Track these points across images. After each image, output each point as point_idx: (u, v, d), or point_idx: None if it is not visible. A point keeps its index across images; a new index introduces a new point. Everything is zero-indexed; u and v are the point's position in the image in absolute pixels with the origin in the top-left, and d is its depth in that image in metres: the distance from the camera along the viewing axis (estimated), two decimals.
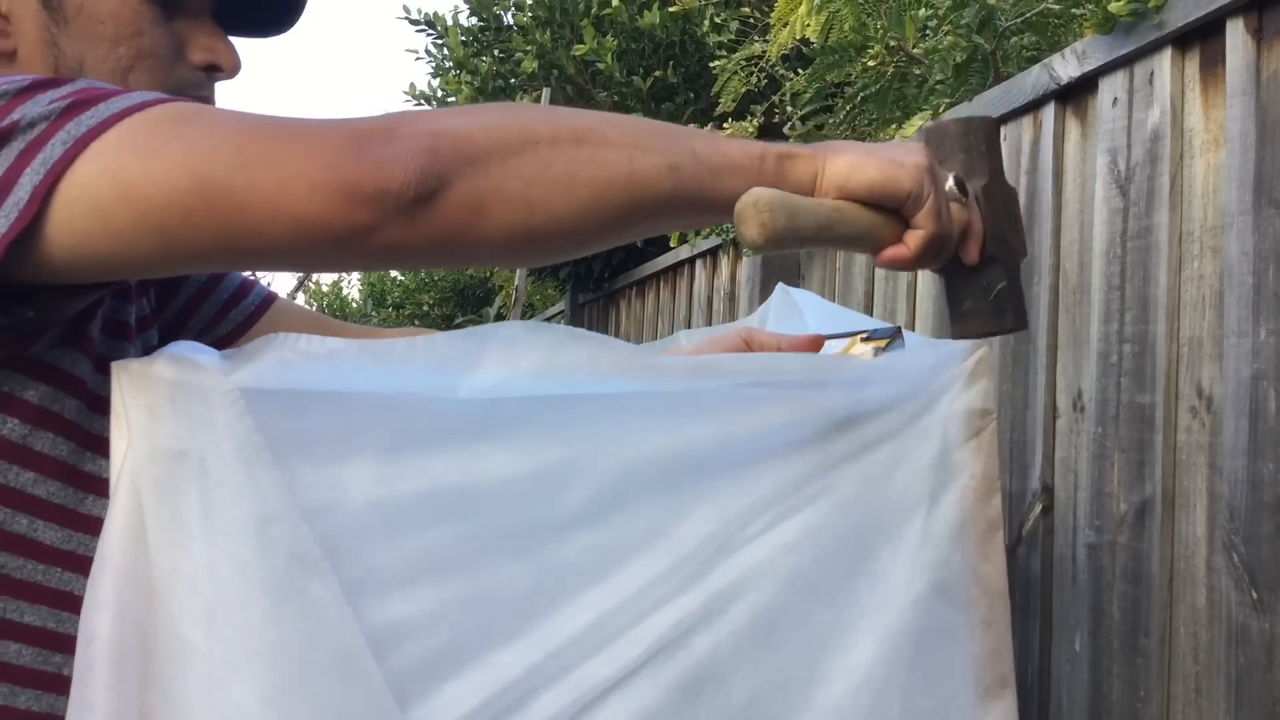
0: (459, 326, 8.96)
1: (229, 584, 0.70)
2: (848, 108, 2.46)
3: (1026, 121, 1.64)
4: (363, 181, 0.66)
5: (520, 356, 0.77)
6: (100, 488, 0.82)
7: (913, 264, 0.81)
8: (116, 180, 0.67)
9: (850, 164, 0.78)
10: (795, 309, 0.98)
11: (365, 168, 0.66)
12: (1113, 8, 1.37)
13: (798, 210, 0.74)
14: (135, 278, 0.78)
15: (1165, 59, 1.35)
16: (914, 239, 0.80)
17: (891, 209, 0.79)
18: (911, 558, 0.86)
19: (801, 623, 0.84)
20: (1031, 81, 1.60)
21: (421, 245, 0.69)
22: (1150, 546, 1.32)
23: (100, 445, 0.82)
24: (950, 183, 0.81)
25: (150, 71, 0.87)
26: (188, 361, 0.76)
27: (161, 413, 0.75)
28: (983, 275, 0.85)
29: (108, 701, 0.70)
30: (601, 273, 4.74)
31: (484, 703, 0.80)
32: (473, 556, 0.80)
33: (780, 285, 1.02)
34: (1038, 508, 1.54)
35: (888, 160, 0.78)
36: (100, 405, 0.83)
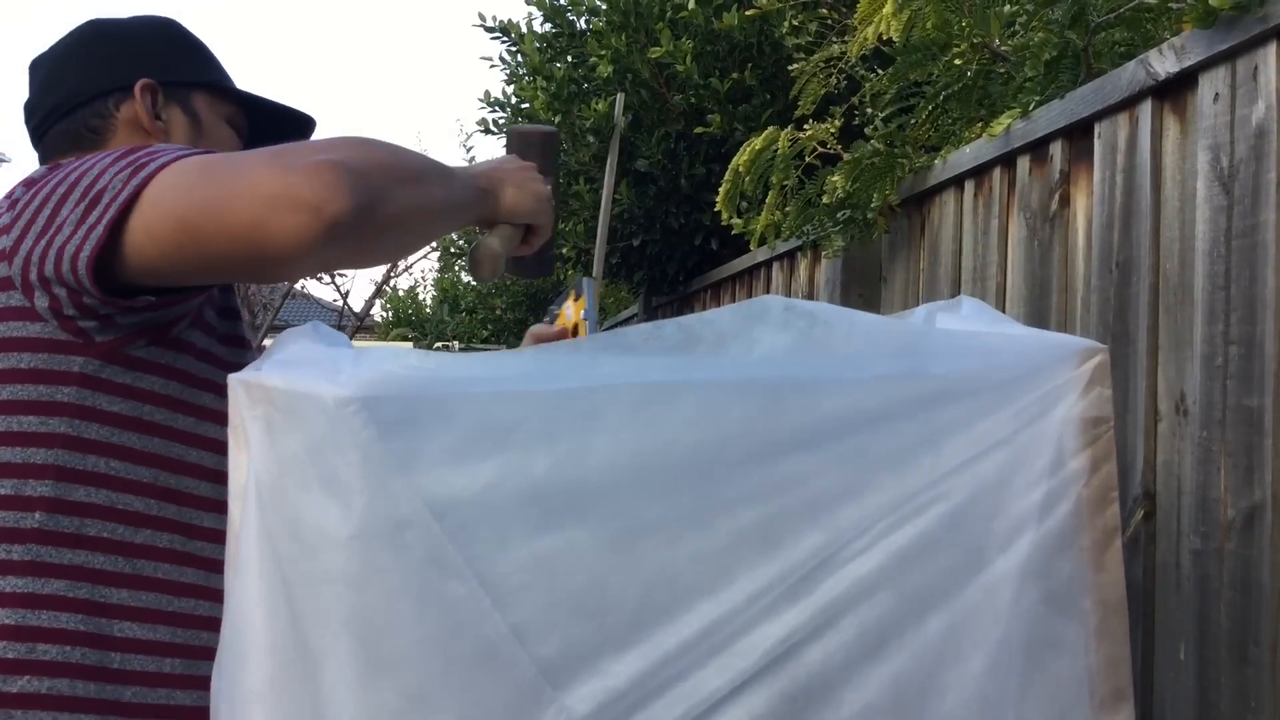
0: None
1: (368, 589, 0.71)
2: (929, 107, 2.42)
3: (1122, 119, 1.61)
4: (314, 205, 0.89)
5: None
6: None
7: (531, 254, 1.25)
8: (140, 229, 0.96)
9: (513, 200, 1.17)
10: (956, 315, 0.98)
11: (314, 196, 0.89)
12: (1214, 2, 1.34)
13: (503, 256, 1.16)
14: (183, 284, 1.04)
15: (1270, 53, 1.31)
16: (536, 240, 1.24)
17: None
18: (1024, 567, 0.85)
19: (913, 633, 0.83)
20: (1127, 78, 1.56)
21: (344, 256, 0.94)
22: (1260, 553, 1.28)
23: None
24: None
25: None
26: (300, 371, 0.78)
27: (279, 424, 0.77)
28: (546, 247, 1.26)
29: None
30: (676, 276, 4.74)
31: (594, 711, 0.80)
32: (583, 561, 0.81)
33: (963, 297, 1.03)
34: (1139, 513, 1.50)
35: (533, 197, 1.19)
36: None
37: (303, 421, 0.74)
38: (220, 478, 1.08)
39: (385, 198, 0.92)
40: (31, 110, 1.26)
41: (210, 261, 0.93)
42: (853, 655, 0.83)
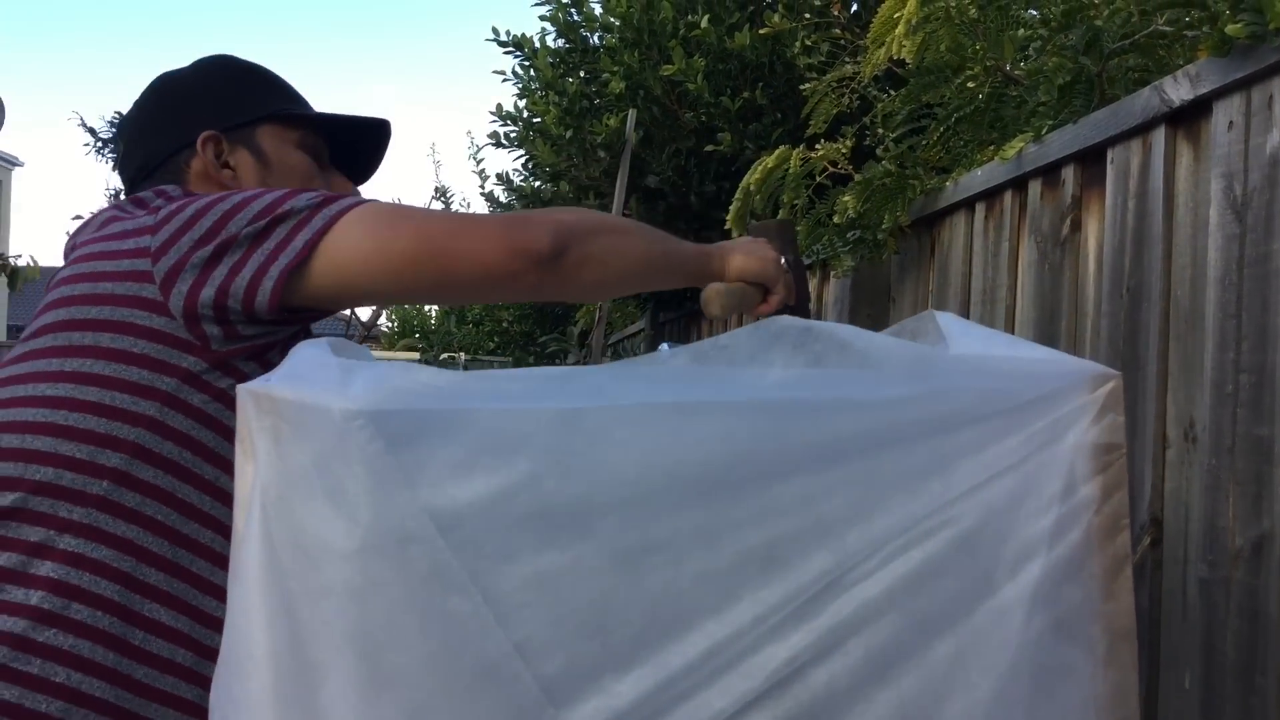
0: (541, 344, 8.94)
1: (371, 603, 0.71)
2: (941, 129, 2.42)
3: (1135, 144, 1.60)
4: (525, 245, 1.10)
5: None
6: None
7: (774, 313, 1.35)
8: (358, 248, 1.10)
9: (741, 262, 1.32)
10: (937, 331, 0.97)
11: (526, 237, 1.10)
12: (1230, 30, 1.34)
13: (730, 294, 1.30)
14: (363, 305, 1.21)
15: None
16: (774, 300, 1.36)
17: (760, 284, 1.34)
18: (1033, 593, 0.84)
19: (919, 659, 0.82)
20: (1141, 104, 1.56)
21: (551, 284, 1.13)
22: (1268, 583, 1.28)
23: None
24: (783, 262, 1.38)
25: None
26: (308, 383, 0.77)
27: (286, 436, 0.77)
28: (794, 310, 1.40)
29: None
30: (684, 291, 4.74)
31: None
32: (587, 579, 0.80)
33: (931, 311, 1.01)
34: (1146, 540, 1.49)
35: (759, 259, 1.33)
36: None
37: (310, 433, 0.74)
38: None
39: (582, 240, 1.13)
40: (122, 170, 1.36)
41: (442, 281, 1.10)
42: (859, 679, 0.82)
